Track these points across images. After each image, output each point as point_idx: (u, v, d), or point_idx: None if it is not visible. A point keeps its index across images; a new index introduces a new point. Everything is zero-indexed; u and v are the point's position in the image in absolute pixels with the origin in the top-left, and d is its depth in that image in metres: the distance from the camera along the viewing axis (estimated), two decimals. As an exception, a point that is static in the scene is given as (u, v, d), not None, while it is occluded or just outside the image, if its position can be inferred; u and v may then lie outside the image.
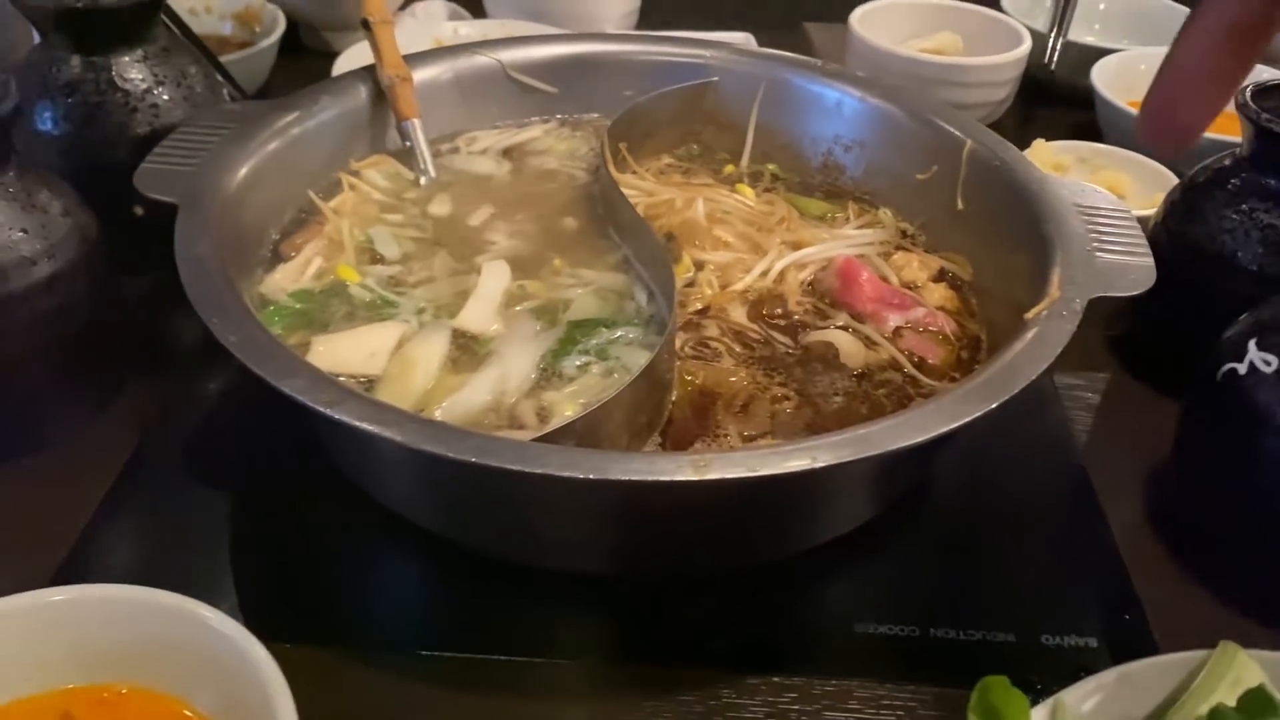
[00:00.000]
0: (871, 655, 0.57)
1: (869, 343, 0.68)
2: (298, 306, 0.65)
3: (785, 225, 0.78)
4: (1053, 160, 0.96)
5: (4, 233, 0.60)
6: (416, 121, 0.79)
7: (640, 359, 0.63)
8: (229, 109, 0.76)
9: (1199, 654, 0.48)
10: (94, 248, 0.64)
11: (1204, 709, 0.45)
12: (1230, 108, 0.71)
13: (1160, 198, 0.81)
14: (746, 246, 0.76)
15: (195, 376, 0.72)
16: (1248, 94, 0.71)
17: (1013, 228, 0.71)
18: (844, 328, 0.69)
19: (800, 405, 0.63)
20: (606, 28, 1.17)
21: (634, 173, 0.82)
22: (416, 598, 0.60)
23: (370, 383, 0.61)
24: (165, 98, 0.78)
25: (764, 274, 0.73)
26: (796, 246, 0.75)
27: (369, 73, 0.80)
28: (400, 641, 0.56)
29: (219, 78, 0.84)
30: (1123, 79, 1.05)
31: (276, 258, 0.70)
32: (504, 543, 0.57)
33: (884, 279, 0.73)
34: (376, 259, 0.71)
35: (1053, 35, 1.09)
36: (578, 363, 0.63)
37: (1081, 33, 1.17)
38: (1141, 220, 0.70)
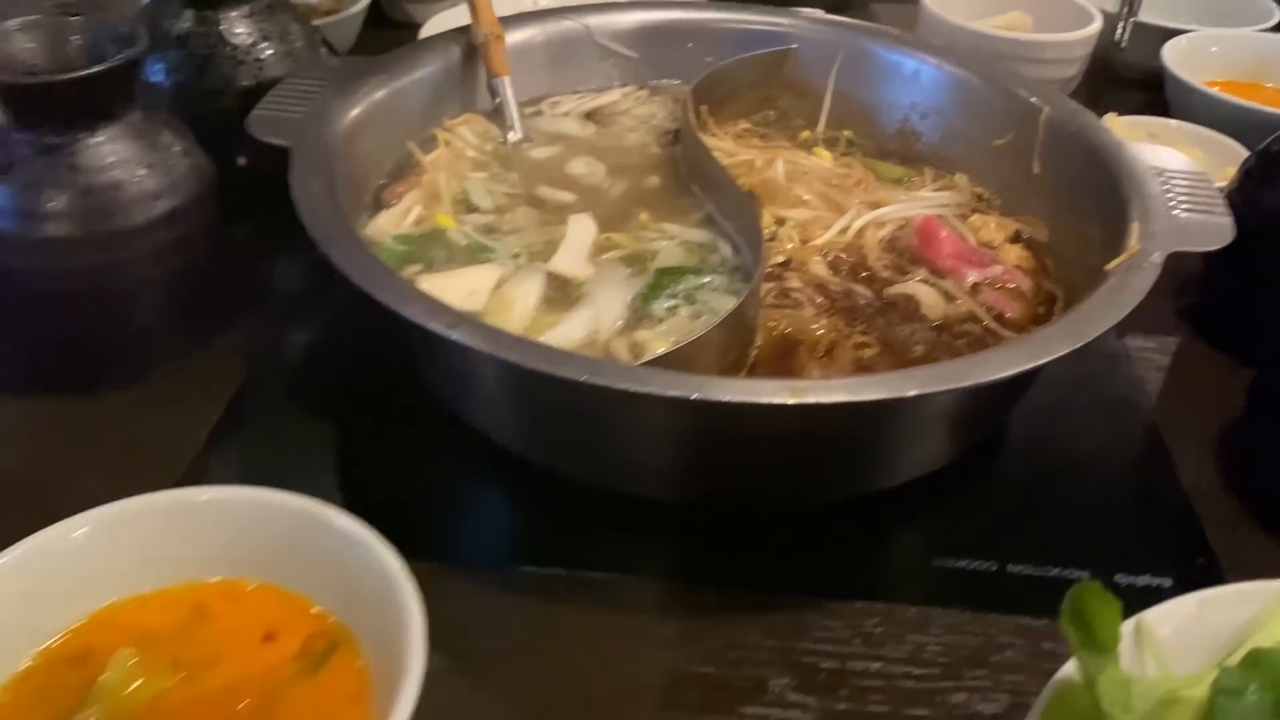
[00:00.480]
0: (951, 587, 0.59)
1: (948, 297, 0.70)
2: (401, 249, 0.69)
3: (863, 186, 0.80)
4: (1123, 134, 0.97)
5: (131, 169, 0.63)
6: (507, 79, 0.81)
7: (726, 304, 0.65)
8: (331, 64, 0.80)
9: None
10: (208, 188, 0.68)
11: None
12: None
13: (1230, 172, 0.82)
14: (825, 205, 0.78)
15: (294, 316, 0.76)
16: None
17: (1090, 191, 0.73)
18: (924, 283, 0.71)
19: (882, 353, 0.65)
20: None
21: (713, 135, 0.85)
22: (511, 518, 0.63)
23: (470, 320, 0.64)
24: (269, 53, 0.81)
25: (843, 231, 0.75)
26: (874, 206, 0.78)
27: (462, 34, 0.83)
28: (497, 558, 0.59)
29: (318, 37, 0.87)
30: (1193, 58, 1.06)
31: (378, 204, 0.73)
32: (600, 469, 0.60)
33: (961, 238, 0.75)
34: (471, 209, 0.74)
35: (1123, 13, 1.10)
36: (666, 305, 0.65)
37: (1151, 15, 1.17)
38: (1215, 189, 0.72)
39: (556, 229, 0.72)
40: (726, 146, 0.83)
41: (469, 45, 0.82)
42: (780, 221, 0.75)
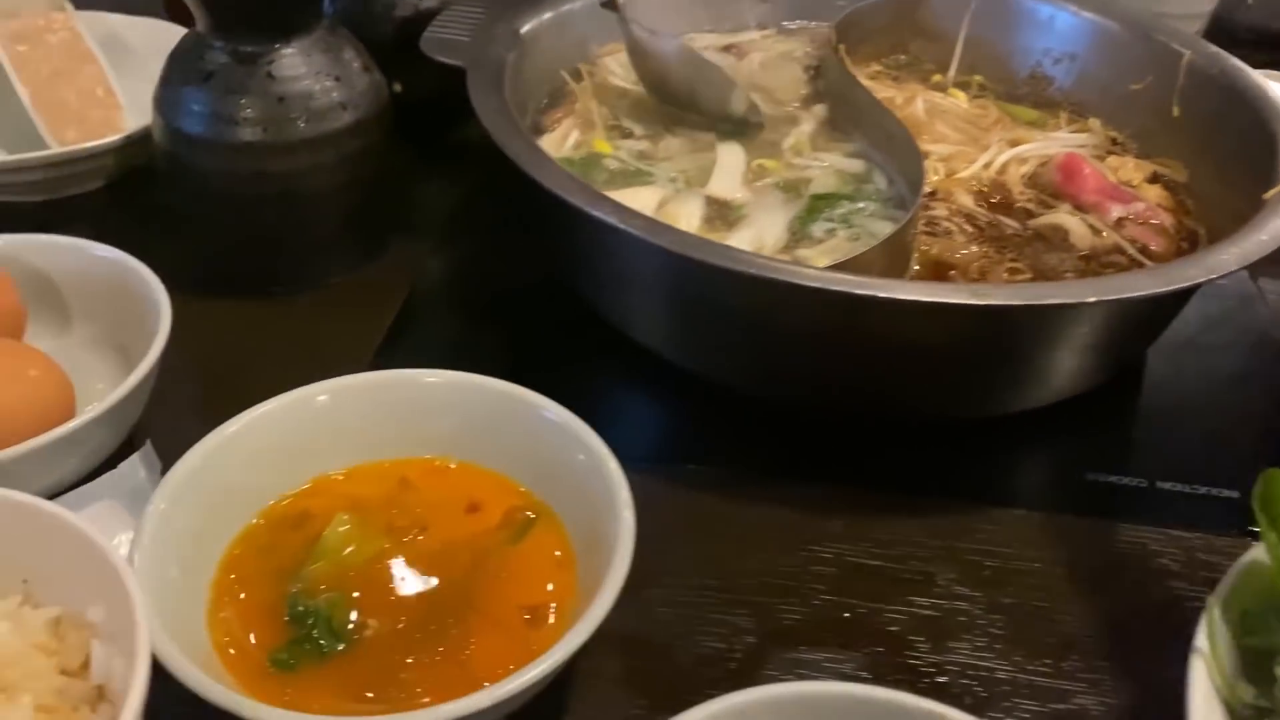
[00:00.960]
0: (1104, 499, 0.61)
1: (1094, 230, 0.72)
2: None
3: (1000, 126, 0.82)
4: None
5: (320, 80, 0.66)
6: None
7: (880, 228, 0.68)
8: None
9: None
10: (385, 104, 0.71)
11: None
12: None
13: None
14: (966, 141, 0.80)
15: (454, 232, 0.79)
16: None
17: (1233, 132, 0.74)
18: (1070, 214, 0.72)
19: (1033, 279, 0.67)
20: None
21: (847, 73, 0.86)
22: (673, 420, 0.65)
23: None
24: (426, -17, 0.84)
25: (987, 166, 0.77)
26: (1013, 144, 0.79)
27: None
28: (665, 456, 0.62)
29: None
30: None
31: (537, 129, 0.76)
32: (769, 379, 0.62)
33: (1103, 175, 0.77)
34: (626, 134, 0.77)
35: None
36: (825, 228, 0.68)
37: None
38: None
39: (707, 155, 0.75)
40: (865, 85, 0.84)
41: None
42: (924, 155, 0.77)
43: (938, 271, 0.67)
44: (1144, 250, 0.71)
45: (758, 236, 0.67)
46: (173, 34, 0.84)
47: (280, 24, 0.66)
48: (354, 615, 0.47)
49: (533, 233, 0.72)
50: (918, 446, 0.63)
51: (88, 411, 0.53)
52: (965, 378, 0.61)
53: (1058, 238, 0.71)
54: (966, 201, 0.73)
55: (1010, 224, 0.72)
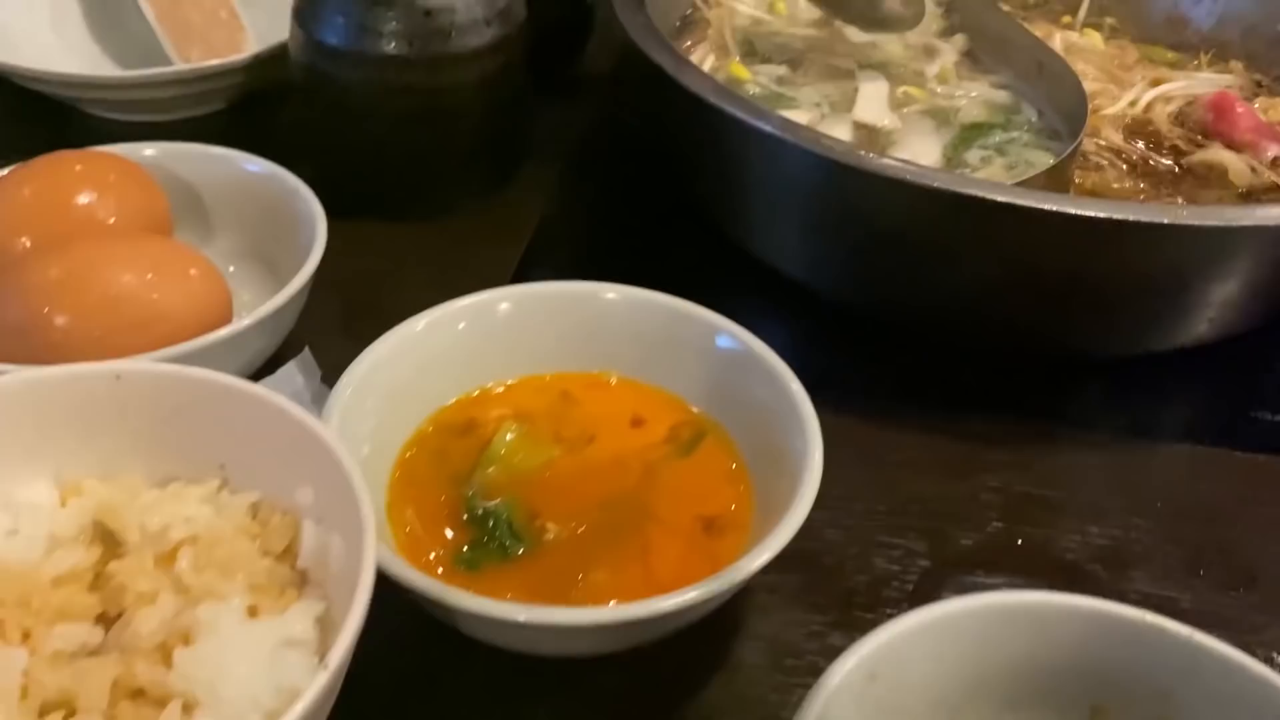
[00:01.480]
0: (1269, 436, 0.59)
1: (1250, 168, 0.70)
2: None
3: (1141, 65, 0.80)
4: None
5: (466, -5, 0.65)
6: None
7: (1039, 158, 0.66)
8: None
9: None
10: (524, 22, 0.69)
11: None
12: None
13: None
14: (1107, 79, 0.77)
15: (579, 166, 0.78)
16: None
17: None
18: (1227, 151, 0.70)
19: (1194, 212, 0.65)
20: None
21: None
22: (826, 350, 0.64)
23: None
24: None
25: (1133, 103, 0.74)
26: (1156, 84, 0.77)
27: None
28: (818, 384, 0.60)
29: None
30: None
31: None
32: (926, 309, 0.60)
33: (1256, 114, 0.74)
34: (764, 60, 0.75)
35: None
36: (980, 155, 0.66)
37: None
38: None
39: (848, 83, 0.73)
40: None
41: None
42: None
43: (1093, 204, 0.65)
44: (1305, 189, 0.68)
45: (912, 160, 0.65)
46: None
47: (427, -65, 0.64)
48: (533, 519, 0.47)
49: (669, 160, 0.71)
50: (1080, 381, 0.61)
51: (252, 315, 0.52)
52: (1132, 310, 0.59)
53: (1213, 175, 0.69)
54: (1115, 137, 0.71)
55: (1162, 160, 0.70)
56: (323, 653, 0.35)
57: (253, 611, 0.37)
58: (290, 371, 0.55)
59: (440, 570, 0.44)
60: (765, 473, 0.48)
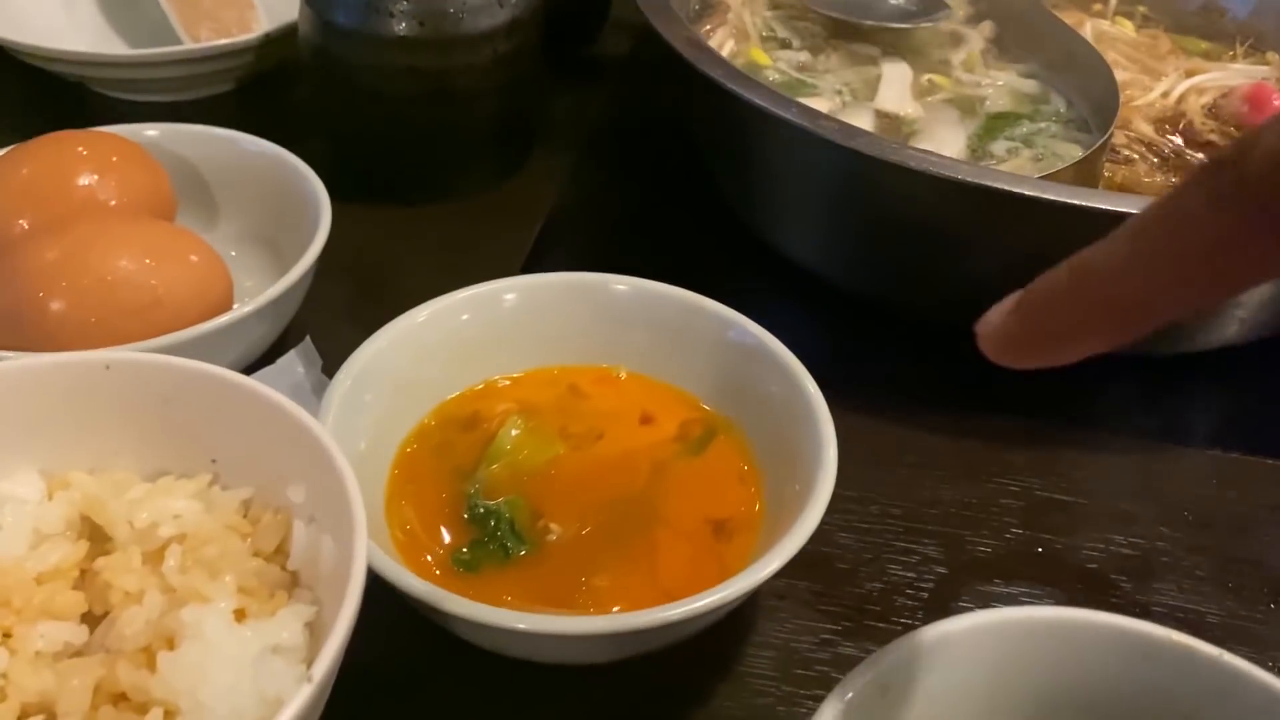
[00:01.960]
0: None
1: (1286, 163, 0.67)
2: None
3: (1174, 55, 0.77)
4: None
5: (478, -26, 0.63)
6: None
7: (1068, 150, 0.64)
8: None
9: None
10: (539, 6, 0.68)
11: None
12: None
13: None
14: (1139, 69, 0.75)
15: (592, 152, 0.76)
16: None
17: None
18: (1262, 145, 0.68)
19: (1227, 209, 0.63)
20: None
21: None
22: (844, 344, 0.62)
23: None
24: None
25: (1165, 95, 0.72)
26: (1189, 74, 0.74)
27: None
28: (832, 379, 0.59)
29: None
30: None
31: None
32: (948, 301, 0.58)
33: (1293, 108, 0.72)
34: (784, 46, 0.73)
35: None
36: (1006, 146, 0.64)
37: None
38: None
39: (870, 70, 0.71)
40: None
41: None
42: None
43: (1124, 199, 0.63)
44: (1343, 187, 0.66)
45: (936, 150, 0.63)
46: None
47: (440, -88, 0.62)
48: (536, 519, 0.45)
49: (686, 146, 0.69)
50: (1106, 381, 0.59)
51: (250, 302, 0.51)
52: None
53: (1248, 171, 0.66)
54: (1146, 130, 0.69)
55: (1196, 155, 0.68)
56: (311, 659, 0.34)
57: (240, 614, 0.35)
58: (291, 360, 0.53)
59: (437, 571, 0.43)
60: (777, 473, 0.47)
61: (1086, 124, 0.66)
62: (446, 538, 0.44)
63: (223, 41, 0.73)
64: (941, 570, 0.49)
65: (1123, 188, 0.64)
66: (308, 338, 0.54)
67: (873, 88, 0.69)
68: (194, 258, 0.52)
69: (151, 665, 0.34)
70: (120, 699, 0.34)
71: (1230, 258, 0.23)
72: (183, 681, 0.32)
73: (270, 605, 0.36)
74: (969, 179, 0.49)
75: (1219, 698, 0.37)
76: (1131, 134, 0.69)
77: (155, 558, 0.37)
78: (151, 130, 0.60)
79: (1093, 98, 0.66)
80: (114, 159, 0.56)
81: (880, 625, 0.47)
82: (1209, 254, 0.23)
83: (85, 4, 0.83)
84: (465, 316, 0.49)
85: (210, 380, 0.39)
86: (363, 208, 0.67)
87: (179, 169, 0.61)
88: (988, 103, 0.68)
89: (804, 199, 0.60)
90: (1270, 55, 0.79)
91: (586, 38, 0.86)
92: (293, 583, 0.38)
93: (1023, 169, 0.62)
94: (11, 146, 0.57)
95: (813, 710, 0.34)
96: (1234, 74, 0.75)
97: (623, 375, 0.52)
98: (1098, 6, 0.85)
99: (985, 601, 0.48)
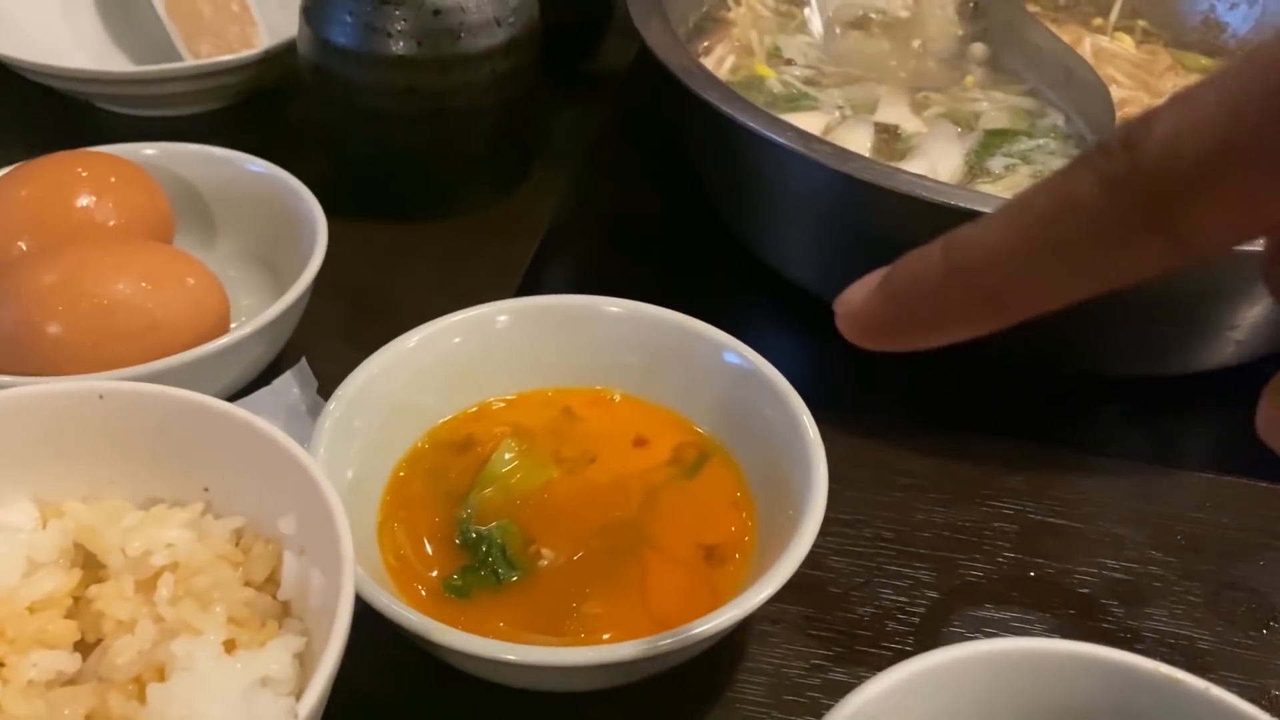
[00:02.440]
0: (1300, 467, 0.57)
1: (1284, 181, 0.67)
2: (725, 92, 0.68)
3: (1174, 72, 0.77)
4: None
5: (477, -7, 0.63)
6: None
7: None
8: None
9: None
10: (536, 23, 0.68)
11: None
12: None
13: None
14: (1138, 87, 0.75)
15: (592, 166, 0.76)
16: None
17: None
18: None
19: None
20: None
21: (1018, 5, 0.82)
22: (840, 365, 0.62)
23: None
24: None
25: (1165, 112, 0.72)
26: (1189, 91, 0.74)
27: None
28: (828, 400, 0.59)
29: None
30: None
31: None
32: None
33: (1292, 126, 0.72)
34: (788, 62, 0.73)
35: None
36: (1003, 164, 0.64)
37: None
38: None
39: (872, 87, 0.71)
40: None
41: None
42: (1098, 97, 0.72)
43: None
44: (1341, 206, 0.66)
45: (931, 168, 0.63)
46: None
47: (438, -68, 0.63)
48: (528, 545, 0.45)
49: (684, 162, 0.69)
50: (1101, 403, 0.59)
51: (249, 323, 0.51)
52: (1155, 332, 0.57)
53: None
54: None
55: (1193, 173, 0.67)
56: (301, 689, 0.34)
57: (230, 645, 0.36)
58: (287, 382, 0.54)
59: (429, 598, 0.43)
60: (770, 498, 0.47)
61: (1084, 140, 0.66)
62: (440, 562, 0.44)
63: (224, 58, 0.74)
64: (933, 595, 0.49)
65: (1120, 207, 0.64)
66: (303, 359, 0.54)
67: (873, 102, 0.69)
68: (191, 280, 0.52)
69: (142, 696, 0.34)
70: (111, 729, 0.34)
71: (1116, 250, 0.21)
72: (172, 713, 0.33)
73: (261, 635, 0.36)
74: (960, 204, 0.49)
75: (1206, 730, 0.37)
76: (1129, 152, 0.69)
77: (148, 586, 0.38)
78: (149, 149, 0.60)
79: (1090, 115, 0.66)
80: (113, 180, 0.57)
81: (871, 651, 0.47)
82: (1094, 244, 0.21)
83: (88, 19, 0.83)
84: (458, 340, 0.49)
85: (203, 410, 0.39)
86: (361, 225, 0.68)
87: (178, 188, 0.61)
88: (985, 118, 0.68)
89: (798, 219, 0.60)
90: (1270, 71, 0.79)
91: (587, 50, 0.86)
92: (284, 612, 0.38)
93: (1020, 186, 0.62)
94: (11, 167, 0.57)
95: (802, 738, 0.34)
96: (1234, 91, 0.75)
97: (617, 398, 0.52)
98: (1098, 21, 0.85)
99: (976, 627, 0.48)
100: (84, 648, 0.38)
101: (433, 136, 0.66)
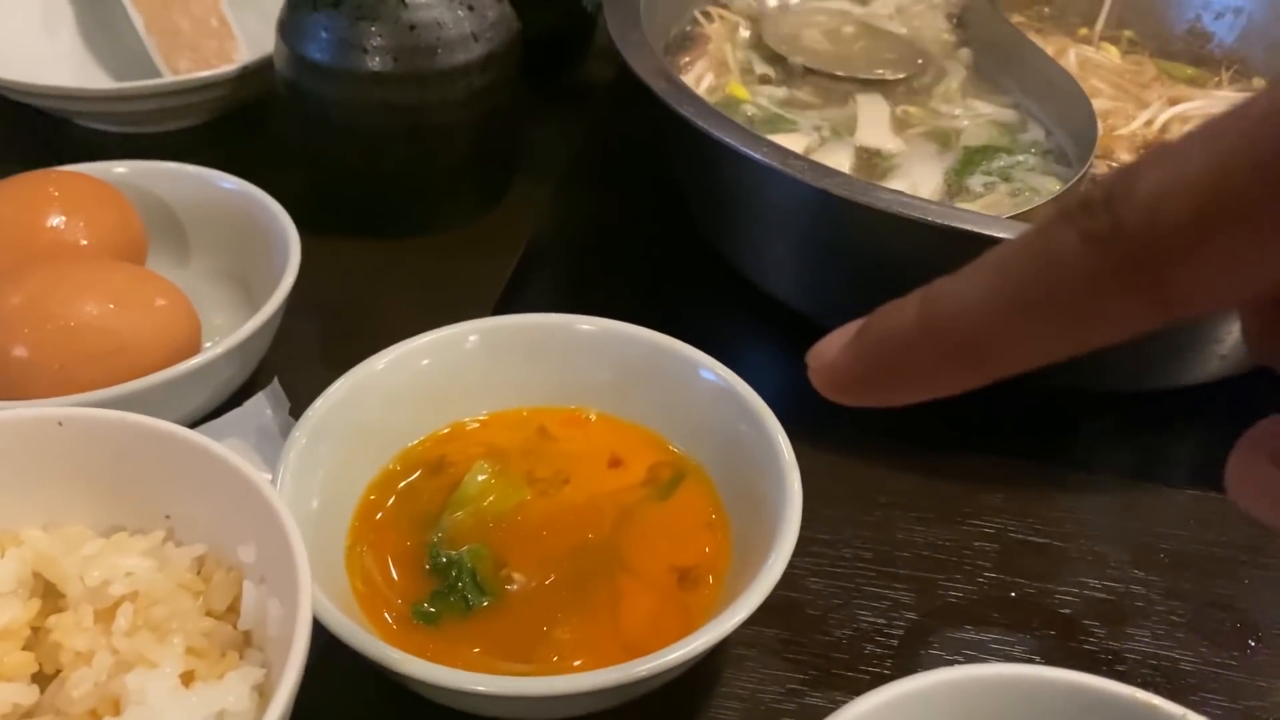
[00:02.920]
0: (1285, 483, 0.56)
1: (1268, 193, 0.67)
2: (704, 110, 0.67)
3: (1159, 83, 0.77)
4: None
5: (453, 8, 0.63)
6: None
7: (1045, 184, 0.63)
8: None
9: None
10: (515, 38, 0.67)
11: None
12: None
13: None
14: (1123, 97, 0.75)
15: (572, 180, 0.76)
16: None
17: None
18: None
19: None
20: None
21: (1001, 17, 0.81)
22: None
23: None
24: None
25: (1148, 124, 0.72)
26: (1173, 102, 0.74)
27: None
28: (806, 417, 0.58)
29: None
30: None
31: (668, 69, 0.72)
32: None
33: (1276, 137, 0.71)
34: (763, 80, 0.73)
35: None
36: (983, 181, 0.63)
37: None
38: None
39: (848, 106, 0.70)
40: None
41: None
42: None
43: (1102, 232, 0.63)
44: (1326, 218, 0.65)
45: (912, 188, 0.62)
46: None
47: (414, -53, 0.62)
48: (499, 569, 0.45)
49: (666, 174, 0.68)
50: (1084, 417, 0.59)
51: (218, 345, 0.50)
52: (1138, 346, 0.56)
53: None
54: (1129, 160, 0.68)
55: (1177, 185, 0.67)
56: (258, 723, 0.34)
57: (189, 677, 0.35)
58: (259, 403, 0.53)
59: (397, 626, 0.42)
60: (745, 519, 0.46)
61: (1065, 155, 0.65)
62: (409, 588, 0.44)
63: (201, 74, 0.73)
64: (912, 616, 0.48)
65: (1102, 220, 0.63)
66: (275, 380, 0.54)
67: (852, 122, 0.68)
68: (160, 301, 0.52)
69: (97, 730, 0.34)
70: (65, 765, 0.33)
71: (1097, 311, 0.20)
72: (125, 750, 0.32)
73: (220, 666, 0.36)
74: (936, 220, 0.48)
75: (1182, 758, 0.36)
76: (1114, 164, 0.68)
77: (107, 616, 0.37)
78: (120, 168, 0.60)
79: (1072, 128, 0.65)
80: (85, 200, 0.56)
81: (849, 674, 0.46)
82: (1074, 304, 0.20)
83: (67, 34, 0.82)
84: (427, 361, 0.49)
85: (163, 437, 0.38)
86: (339, 241, 0.67)
87: (151, 206, 0.60)
88: (965, 135, 0.67)
89: (778, 235, 0.59)
90: (1256, 81, 0.79)
91: (570, 61, 0.86)
92: (245, 642, 0.37)
93: (999, 204, 0.62)
94: (-18, 186, 0.56)
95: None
96: (1218, 101, 0.75)
97: (593, 417, 0.52)
98: (1084, 31, 0.85)
99: (956, 649, 0.47)
100: (42, 679, 0.37)
101: (410, 152, 0.65)
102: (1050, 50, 0.78)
